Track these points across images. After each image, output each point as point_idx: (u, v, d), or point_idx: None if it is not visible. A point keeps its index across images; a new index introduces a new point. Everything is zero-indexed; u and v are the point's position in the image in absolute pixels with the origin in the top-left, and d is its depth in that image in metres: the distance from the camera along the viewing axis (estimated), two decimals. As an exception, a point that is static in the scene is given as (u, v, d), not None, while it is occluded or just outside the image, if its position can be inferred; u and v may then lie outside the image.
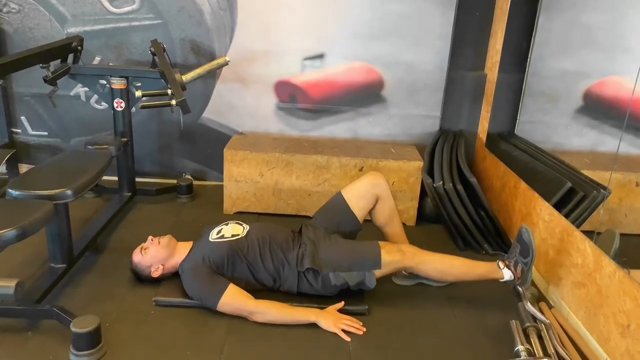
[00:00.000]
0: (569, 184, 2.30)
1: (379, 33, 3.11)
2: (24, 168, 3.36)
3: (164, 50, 2.75)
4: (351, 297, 2.10)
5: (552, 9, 2.72)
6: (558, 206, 2.29)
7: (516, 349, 1.84)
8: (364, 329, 1.97)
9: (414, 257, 2.07)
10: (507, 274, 2.08)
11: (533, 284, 2.33)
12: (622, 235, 1.92)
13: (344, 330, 1.95)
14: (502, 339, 1.97)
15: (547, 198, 2.37)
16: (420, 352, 1.90)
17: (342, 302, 2.05)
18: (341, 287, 2.07)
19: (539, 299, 2.22)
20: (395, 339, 1.96)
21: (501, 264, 2.09)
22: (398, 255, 2.06)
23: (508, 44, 2.92)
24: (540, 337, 1.93)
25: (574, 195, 2.26)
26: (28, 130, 3.33)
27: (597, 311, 1.88)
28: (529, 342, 1.89)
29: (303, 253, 2.09)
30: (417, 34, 3.11)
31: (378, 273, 2.06)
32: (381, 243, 2.10)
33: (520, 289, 2.19)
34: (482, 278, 2.12)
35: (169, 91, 2.51)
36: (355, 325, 1.97)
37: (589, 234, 2.02)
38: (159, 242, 2.16)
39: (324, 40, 3.15)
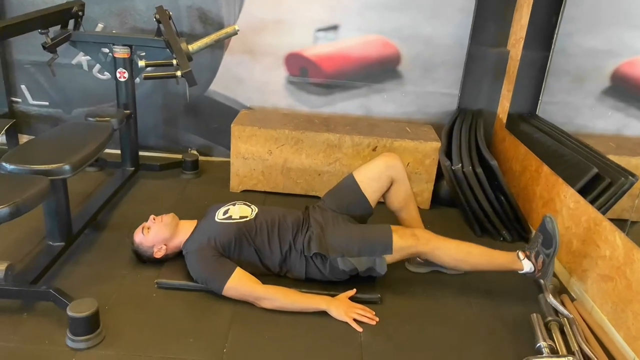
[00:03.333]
0: (595, 170, 2.18)
1: (396, 3, 2.94)
2: (24, 139, 3.25)
3: (170, 17, 2.61)
4: (363, 284, 2.00)
5: (584, -19, 2.56)
6: (582, 193, 2.17)
7: (538, 345, 1.74)
8: (377, 319, 1.88)
9: (429, 243, 1.95)
10: (527, 266, 1.96)
11: (554, 275, 2.22)
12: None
13: (355, 320, 1.85)
14: (521, 332, 1.87)
15: (571, 184, 2.25)
16: (435, 345, 1.80)
17: (354, 290, 1.95)
18: (350, 272, 1.97)
19: (561, 290, 2.11)
20: (409, 330, 1.86)
21: (521, 255, 1.97)
22: (411, 240, 1.94)
23: (534, 18, 2.75)
24: (562, 332, 1.83)
25: (600, 181, 2.14)
26: (28, 100, 3.21)
27: (626, 307, 1.77)
28: (551, 338, 1.79)
29: (310, 237, 1.99)
30: (437, 5, 2.93)
31: (389, 258, 1.95)
32: (393, 227, 1.99)
33: (541, 280, 2.09)
34: (500, 269, 2.00)
35: (175, 61, 2.37)
36: (367, 315, 1.88)
37: (620, 223, 1.89)
38: (161, 220, 2.06)
39: (338, 11, 2.98)
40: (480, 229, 2.58)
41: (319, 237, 1.98)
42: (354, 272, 1.97)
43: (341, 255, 1.95)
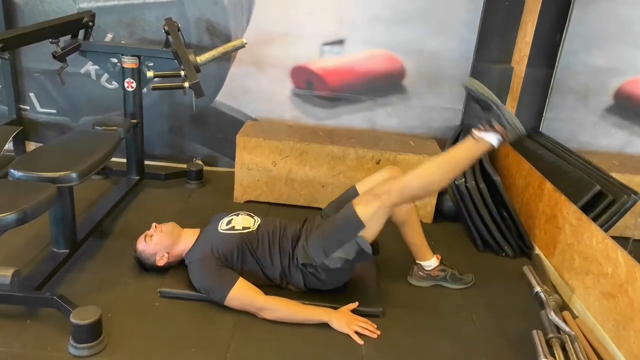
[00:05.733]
0: (598, 187, 2.19)
1: (402, 18, 2.97)
2: (31, 146, 3.28)
3: (179, 29, 2.64)
4: (365, 297, 2.00)
5: (588, 0, 2.58)
6: (584, 209, 2.17)
7: (539, 361, 1.74)
8: (378, 332, 1.88)
9: (391, 193, 1.83)
10: (490, 138, 1.82)
11: (556, 291, 2.22)
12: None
13: (357, 333, 1.85)
14: (522, 348, 1.86)
15: (574, 201, 2.25)
16: (436, 359, 1.80)
17: (357, 303, 1.95)
18: (345, 267, 1.92)
19: (563, 307, 2.11)
20: (410, 343, 1.86)
21: (477, 134, 1.84)
22: (375, 202, 1.83)
23: (538, 36, 2.78)
24: (564, 350, 1.82)
25: (602, 199, 2.15)
26: (36, 108, 3.25)
27: (628, 325, 1.76)
28: (553, 355, 1.78)
29: (298, 249, 1.98)
30: (442, 20, 2.97)
31: (369, 233, 1.86)
32: (355, 200, 1.90)
33: (542, 296, 2.09)
34: (473, 159, 1.88)
35: (182, 72, 2.40)
36: (369, 328, 1.87)
37: (622, 241, 1.90)
38: (162, 230, 2.07)
39: (344, 25, 3.02)
40: (482, 244, 2.58)
41: (303, 247, 1.97)
42: (348, 265, 1.92)
43: (325, 255, 1.91)
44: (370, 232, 1.87)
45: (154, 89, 2.48)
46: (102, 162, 2.13)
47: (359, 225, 1.85)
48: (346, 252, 1.89)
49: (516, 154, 2.87)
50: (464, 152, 1.89)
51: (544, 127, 2.87)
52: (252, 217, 2.13)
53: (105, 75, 3.15)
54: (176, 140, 3.31)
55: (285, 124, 3.18)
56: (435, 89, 3.10)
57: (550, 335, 1.87)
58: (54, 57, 2.52)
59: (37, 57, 3.07)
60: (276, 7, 2.99)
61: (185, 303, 1.96)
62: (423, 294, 2.17)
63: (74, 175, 1.89)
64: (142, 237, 2.09)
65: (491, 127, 1.82)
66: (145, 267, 2.10)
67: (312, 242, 1.95)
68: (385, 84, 3.12)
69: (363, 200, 1.88)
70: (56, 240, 2.07)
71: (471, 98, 1.87)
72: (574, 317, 2.04)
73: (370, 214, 1.85)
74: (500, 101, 1.83)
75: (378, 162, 2.78)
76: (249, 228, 2.05)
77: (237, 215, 2.13)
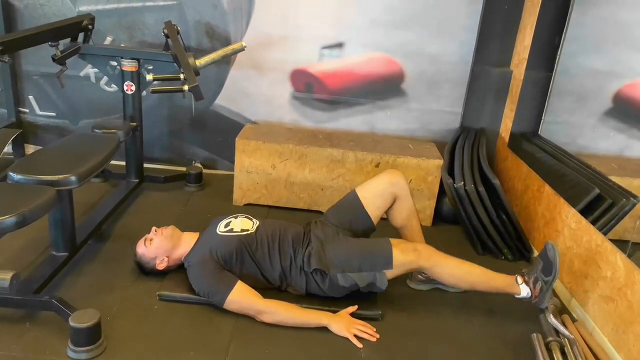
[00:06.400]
0: (597, 190, 2.19)
1: (401, 21, 2.98)
2: (30, 149, 3.28)
3: (178, 32, 2.65)
4: (364, 301, 2.00)
5: (587, 3, 2.59)
6: (583, 213, 2.17)
7: (538, 365, 1.74)
8: (377, 335, 1.88)
9: (430, 259, 1.95)
10: (524, 291, 1.97)
11: (555, 294, 2.22)
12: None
13: (356, 336, 1.85)
14: (522, 352, 1.87)
15: (573, 204, 2.25)
16: (436, 363, 1.80)
17: (356, 306, 1.95)
18: (350, 288, 1.97)
19: (562, 311, 2.10)
20: (409, 347, 1.86)
21: (519, 279, 1.98)
22: (412, 255, 1.93)
23: (537, 39, 2.78)
24: (563, 353, 1.82)
25: (601, 202, 2.15)
26: (36, 110, 3.25)
27: (627, 329, 1.76)
28: (552, 358, 1.78)
29: (310, 253, 1.99)
30: (441, 23, 2.97)
31: (390, 274, 1.94)
32: (393, 241, 1.98)
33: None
34: (498, 291, 2.00)
35: (182, 76, 2.40)
36: (368, 331, 1.87)
37: (621, 244, 1.90)
38: (162, 233, 2.07)
39: (343, 28, 3.03)
40: (482, 247, 2.58)
41: (318, 253, 1.98)
42: (354, 288, 1.97)
43: (341, 271, 1.95)
44: (391, 274, 1.94)
45: (154, 92, 2.49)
46: (101, 165, 2.13)
47: (389, 265, 1.93)
48: (362, 279, 1.94)
49: (515, 157, 2.88)
50: (499, 281, 1.99)
51: (542, 130, 2.87)
52: (251, 219, 2.13)
53: (105, 78, 3.15)
54: (175, 143, 3.31)
55: (284, 127, 3.18)
56: (435, 92, 3.11)
57: (550, 338, 1.87)
58: (54, 60, 2.53)
59: (37, 60, 3.07)
60: (276, 10, 2.99)
61: (184, 306, 1.95)
62: (422, 297, 2.17)
63: (73, 178, 1.89)
64: (141, 241, 2.09)
65: (534, 287, 1.95)
66: (145, 270, 2.10)
67: (334, 252, 1.98)
68: (385, 87, 3.13)
69: (402, 247, 1.96)
70: (55, 244, 2.07)
71: (542, 254, 1.96)
72: (573, 320, 2.04)
73: (402, 262, 1.93)
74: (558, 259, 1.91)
75: (377, 165, 2.78)
76: (248, 230, 2.05)
77: (236, 217, 2.14)
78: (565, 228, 2.27)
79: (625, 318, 1.78)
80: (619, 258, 1.86)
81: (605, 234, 2.00)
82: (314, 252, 1.98)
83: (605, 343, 1.88)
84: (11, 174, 1.84)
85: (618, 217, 2.04)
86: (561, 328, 1.92)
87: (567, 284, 2.21)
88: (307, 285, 1.99)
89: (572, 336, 1.88)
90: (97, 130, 2.54)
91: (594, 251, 2.03)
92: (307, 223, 2.18)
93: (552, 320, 1.95)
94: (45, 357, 1.65)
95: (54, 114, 3.25)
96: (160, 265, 2.06)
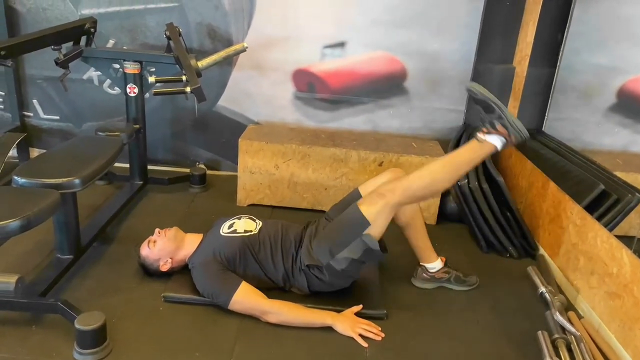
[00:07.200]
0: (601, 186, 2.18)
1: (402, 20, 2.97)
2: (35, 152, 3.30)
3: (180, 34, 2.65)
4: (369, 300, 2.00)
5: (589, -1, 2.58)
6: (588, 209, 2.16)
7: (545, 362, 1.73)
8: (382, 334, 1.87)
9: (395, 192, 1.84)
10: (494, 140, 1.84)
11: (561, 291, 2.21)
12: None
13: (361, 335, 1.84)
14: (528, 350, 1.86)
15: (577, 200, 2.24)
16: (441, 361, 1.79)
17: (360, 306, 1.95)
18: (351, 269, 1.92)
19: (568, 308, 2.10)
20: (415, 346, 1.85)
21: (482, 136, 1.86)
22: (380, 200, 1.84)
23: (540, 36, 2.77)
24: (570, 350, 1.81)
25: (606, 198, 2.14)
26: (40, 114, 3.26)
27: (634, 325, 1.75)
28: (558, 356, 1.78)
29: (302, 251, 1.98)
30: (443, 21, 2.96)
31: (374, 231, 1.85)
32: (358, 201, 1.91)
33: (547, 296, 2.08)
34: (477, 160, 1.90)
35: (184, 77, 2.41)
36: (373, 330, 1.87)
37: (627, 240, 1.89)
38: (165, 235, 2.08)
39: (345, 28, 3.02)
40: (486, 245, 2.57)
41: (307, 249, 1.97)
42: (355, 268, 1.92)
43: (331, 256, 1.90)
44: (375, 230, 1.86)
45: (156, 94, 2.49)
46: (105, 168, 2.14)
47: (365, 223, 1.85)
48: (353, 251, 1.88)
49: (519, 154, 2.87)
50: (468, 154, 1.90)
51: (546, 127, 2.87)
52: (254, 220, 2.13)
53: (108, 81, 3.16)
54: (179, 145, 3.31)
55: (287, 127, 3.18)
56: (437, 90, 3.10)
57: (556, 335, 1.86)
58: (57, 63, 2.54)
59: (40, 64, 3.09)
60: (277, 10, 2.99)
61: (189, 307, 1.96)
62: (427, 296, 2.16)
63: (77, 181, 1.90)
64: (145, 243, 2.09)
65: (494, 130, 1.84)
66: (149, 272, 2.11)
67: (317, 243, 1.95)
68: (387, 86, 3.12)
69: (367, 200, 1.89)
70: (60, 246, 2.08)
71: (473, 100, 1.89)
72: (580, 317, 2.03)
73: (375, 212, 1.84)
74: (503, 103, 1.84)
75: (380, 164, 2.78)
76: (251, 231, 2.05)
77: (239, 218, 2.14)
78: (570, 225, 2.26)
79: (632, 314, 1.77)
80: (624, 254, 1.85)
81: (610, 230, 1.99)
82: (304, 250, 1.97)
83: (612, 340, 1.87)
84: (16, 177, 1.85)
85: (623, 213, 2.04)
86: (567, 325, 1.91)
87: (573, 281, 2.20)
88: (309, 283, 1.99)
89: (578, 333, 1.87)
90: (100, 133, 2.55)
91: (600, 248, 2.01)
92: (307, 223, 2.18)
93: (558, 317, 1.94)
94: (52, 359, 1.65)
95: (57, 118, 3.27)
96: (164, 267, 2.06)
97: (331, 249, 1.90)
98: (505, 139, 1.84)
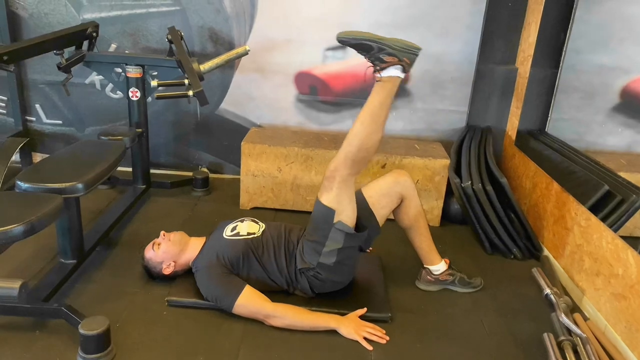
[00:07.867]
0: (606, 187, 2.17)
1: (405, 22, 2.97)
2: (37, 157, 3.30)
3: (182, 38, 2.65)
4: (373, 303, 1.99)
5: (592, -1, 2.57)
6: (593, 210, 2.15)
7: (551, 365, 1.72)
8: (387, 337, 1.86)
9: (339, 168, 1.85)
10: (391, 72, 1.82)
11: (566, 293, 2.20)
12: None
13: (366, 339, 1.84)
14: (534, 352, 1.85)
15: (582, 201, 2.23)
16: (447, 364, 1.78)
17: (365, 309, 1.94)
18: (341, 258, 1.91)
19: (573, 309, 2.08)
20: (419, 349, 1.84)
21: (377, 76, 1.83)
22: (332, 184, 1.84)
23: (542, 36, 2.76)
24: (576, 352, 1.80)
25: (611, 199, 2.13)
26: (42, 119, 3.27)
27: (640, 327, 1.74)
28: (564, 358, 1.77)
29: (297, 255, 1.99)
30: (445, 23, 2.96)
31: (344, 215, 1.86)
32: (318, 193, 1.91)
33: (552, 298, 2.07)
34: (389, 100, 1.88)
35: (186, 81, 2.41)
36: (377, 334, 1.86)
37: (632, 241, 1.87)
38: (169, 238, 2.07)
39: (347, 29, 3.01)
40: (490, 246, 2.56)
41: (300, 253, 1.97)
42: (345, 254, 1.91)
43: (317, 254, 1.91)
44: (344, 213, 1.87)
45: (159, 98, 2.48)
46: (108, 172, 2.14)
47: (330, 212, 1.86)
48: (334, 241, 1.89)
49: (522, 155, 2.86)
50: (378, 98, 1.86)
51: (550, 128, 2.85)
52: (257, 222, 2.13)
53: (110, 85, 3.16)
54: (181, 149, 3.31)
55: (289, 130, 3.18)
56: (440, 92, 3.09)
57: (562, 337, 1.85)
58: (59, 68, 2.54)
59: (42, 68, 3.09)
60: (278, 13, 2.99)
61: (193, 312, 1.95)
62: (432, 298, 2.15)
63: (80, 185, 1.90)
64: (150, 245, 2.09)
65: (385, 63, 1.81)
66: (153, 275, 2.10)
67: (303, 246, 1.97)
68: (389, 88, 3.11)
69: (323, 189, 1.88)
70: (63, 251, 2.07)
71: (350, 47, 1.84)
72: (585, 319, 2.02)
73: (333, 197, 1.85)
74: (378, 35, 1.79)
75: (383, 166, 2.77)
76: (254, 234, 2.04)
77: (242, 221, 2.13)
78: (575, 226, 2.25)
79: (638, 316, 1.76)
80: (630, 255, 1.84)
81: (615, 231, 1.98)
82: (297, 254, 1.98)
83: (618, 341, 1.85)
84: (19, 182, 1.85)
85: (628, 214, 2.02)
86: (573, 327, 1.90)
87: (579, 282, 2.19)
88: (311, 285, 1.99)
89: (584, 335, 1.86)
90: (103, 137, 2.55)
91: (605, 249, 2.00)
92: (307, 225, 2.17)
93: (564, 319, 1.93)
94: (56, 364, 1.65)
95: (60, 122, 3.27)
96: (167, 270, 2.06)
97: (315, 247, 1.92)
98: (399, 64, 1.81)
